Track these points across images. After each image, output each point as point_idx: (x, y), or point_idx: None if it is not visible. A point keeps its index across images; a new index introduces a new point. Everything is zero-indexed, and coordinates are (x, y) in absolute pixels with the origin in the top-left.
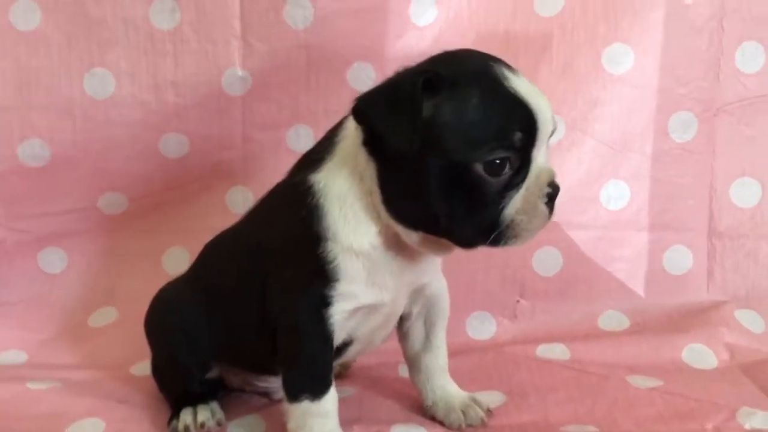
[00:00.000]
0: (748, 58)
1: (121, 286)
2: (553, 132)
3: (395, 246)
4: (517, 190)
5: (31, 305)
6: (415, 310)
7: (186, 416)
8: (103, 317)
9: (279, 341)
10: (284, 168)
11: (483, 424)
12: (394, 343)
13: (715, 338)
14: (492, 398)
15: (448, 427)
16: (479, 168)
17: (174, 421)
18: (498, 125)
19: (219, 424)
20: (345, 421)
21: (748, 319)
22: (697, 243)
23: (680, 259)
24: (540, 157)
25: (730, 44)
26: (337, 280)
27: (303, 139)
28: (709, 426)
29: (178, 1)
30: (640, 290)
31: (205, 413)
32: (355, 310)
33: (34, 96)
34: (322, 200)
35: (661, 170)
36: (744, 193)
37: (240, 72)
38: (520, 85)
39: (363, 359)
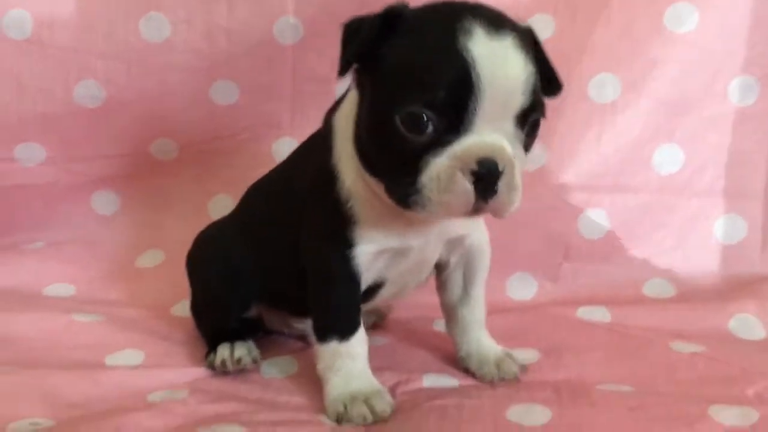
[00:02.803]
0: None
1: (169, 230)
2: (528, 108)
3: None
4: (437, 157)
5: (82, 244)
6: (453, 260)
7: (224, 351)
8: (151, 259)
9: (309, 283)
10: None
11: (516, 379)
12: (430, 298)
13: (765, 309)
14: (528, 355)
15: (480, 379)
16: (397, 119)
17: (211, 355)
18: (423, 80)
19: (254, 361)
20: (377, 368)
21: None
22: (752, 212)
23: (734, 227)
24: (488, 130)
25: None
26: (355, 222)
27: None
28: (750, 392)
29: None
30: (689, 258)
31: (242, 349)
32: (381, 252)
33: (92, 38)
34: (334, 140)
35: (719, 135)
36: None
37: (292, 19)
38: (482, 45)
39: (399, 313)
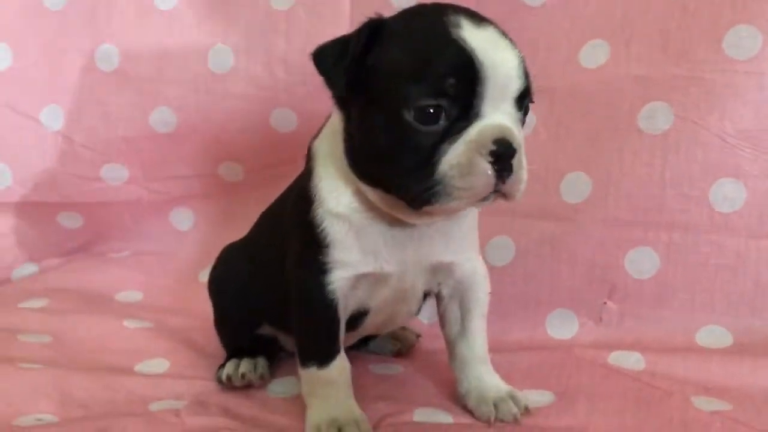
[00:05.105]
0: None
1: None
2: (524, 91)
3: (376, 210)
4: (453, 144)
5: (159, 256)
6: (446, 291)
7: (230, 367)
8: None
9: (292, 308)
10: None
11: (515, 421)
12: None
13: None
14: (540, 398)
15: (477, 419)
16: (409, 115)
17: (220, 370)
18: (429, 71)
19: (261, 378)
20: (374, 397)
21: None
22: None
23: None
24: (495, 113)
25: None
26: (327, 246)
27: None
28: None
29: None
30: (752, 306)
31: (247, 365)
32: (357, 279)
33: (166, 69)
34: (314, 163)
35: None
36: None
37: None
38: (474, 34)
39: (428, 342)
